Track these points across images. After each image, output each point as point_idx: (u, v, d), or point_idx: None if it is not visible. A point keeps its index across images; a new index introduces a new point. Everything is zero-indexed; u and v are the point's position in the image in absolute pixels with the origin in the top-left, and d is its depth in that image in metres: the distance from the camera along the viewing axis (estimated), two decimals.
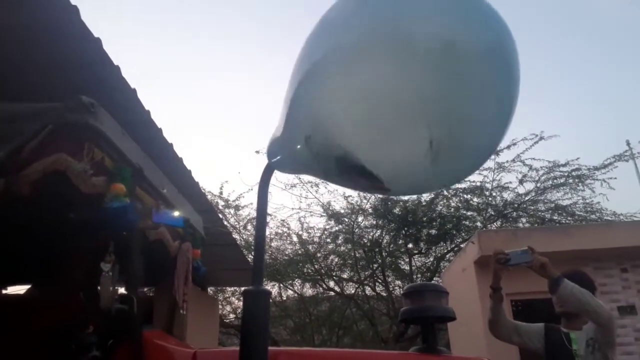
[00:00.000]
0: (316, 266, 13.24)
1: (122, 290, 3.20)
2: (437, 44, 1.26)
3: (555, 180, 10.92)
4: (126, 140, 2.95)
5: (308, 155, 1.57)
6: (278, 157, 1.81)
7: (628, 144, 10.75)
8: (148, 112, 3.60)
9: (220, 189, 12.48)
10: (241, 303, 7.78)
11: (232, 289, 13.73)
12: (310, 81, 1.48)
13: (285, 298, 15.56)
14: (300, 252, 13.13)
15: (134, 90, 3.37)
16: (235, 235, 12.42)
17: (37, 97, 2.89)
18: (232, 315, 14.96)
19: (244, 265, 7.16)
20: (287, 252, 13.42)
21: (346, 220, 12.66)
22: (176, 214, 2.93)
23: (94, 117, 2.46)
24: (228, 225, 12.40)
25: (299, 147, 1.57)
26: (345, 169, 1.48)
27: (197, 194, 4.82)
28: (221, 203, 12.46)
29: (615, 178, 10.30)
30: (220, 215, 12.20)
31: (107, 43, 3.02)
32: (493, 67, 1.34)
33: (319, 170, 1.68)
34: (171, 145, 4.01)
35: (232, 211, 12.63)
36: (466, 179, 10.65)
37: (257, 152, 13.79)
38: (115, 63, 3.16)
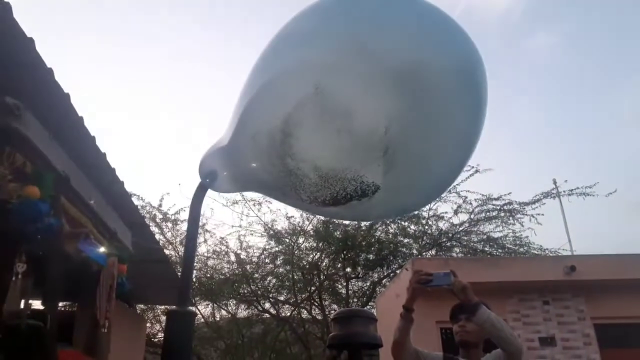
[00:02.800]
0: (253, 287, 13.03)
1: (38, 304, 3.00)
2: (402, 65, 1.28)
3: (488, 213, 11.38)
4: (54, 146, 2.81)
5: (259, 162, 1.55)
6: (214, 173, 1.77)
7: (554, 182, 11.40)
8: (81, 119, 3.44)
9: (160, 201, 12.11)
10: None
11: (163, 307, 13.23)
12: (267, 93, 1.47)
13: (218, 318, 15.17)
14: (237, 271, 12.89)
15: (67, 95, 3.22)
16: (170, 251, 12.04)
17: None
18: (160, 334, 14.38)
19: (175, 283, 6.92)
20: (223, 271, 13.14)
21: (287, 240, 12.60)
22: (102, 250, 2.81)
23: (18, 120, 2.34)
24: (163, 240, 12.01)
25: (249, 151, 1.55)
26: (296, 185, 1.48)
27: (129, 206, 4.63)
28: (159, 216, 12.08)
29: (543, 214, 10.88)
30: (156, 229, 11.84)
31: (44, 42, 2.88)
32: (459, 95, 1.35)
33: (264, 181, 1.65)
34: (104, 154, 3.85)
35: (169, 225, 12.26)
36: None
37: (179, 184, 13.49)
38: (49, 65, 3.01)
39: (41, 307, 2.77)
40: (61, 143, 3.15)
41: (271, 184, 1.64)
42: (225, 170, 1.73)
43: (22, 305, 2.46)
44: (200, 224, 12.09)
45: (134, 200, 11.38)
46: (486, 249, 11.68)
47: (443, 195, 9.62)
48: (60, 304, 4.40)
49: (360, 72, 1.30)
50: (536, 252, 11.26)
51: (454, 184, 11.14)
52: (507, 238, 11.55)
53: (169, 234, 12.24)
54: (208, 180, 1.76)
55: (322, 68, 1.35)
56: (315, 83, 1.33)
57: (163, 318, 14.07)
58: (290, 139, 1.42)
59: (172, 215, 12.13)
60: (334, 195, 1.48)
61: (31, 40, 2.85)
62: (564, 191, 11.16)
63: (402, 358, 2.99)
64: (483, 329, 2.77)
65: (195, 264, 12.09)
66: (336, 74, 1.33)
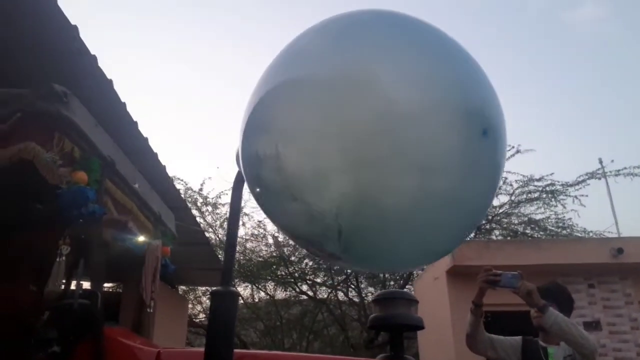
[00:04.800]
0: (290, 269, 13.19)
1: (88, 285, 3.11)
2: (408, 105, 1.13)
3: (529, 195, 11.09)
4: (99, 132, 2.88)
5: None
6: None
7: (600, 162, 10.98)
8: (124, 105, 3.53)
9: (201, 185, 12.36)
10: None
11: (203, 288, 13.56)
12: (263, 107, 1.42)
13: (257, 300, 15.46)
14: (275, 254, 13.05)
15: (110, 82, 3.31)
16: (211, 234, 12.29)
17: (9, 84, 2.81)
18: (202, 315, 14.79)
19: (215, 265, 7.08)
20: (261, 254, 13.33)
21: None
22: (140, 239, 2.87)
23: (66, 106, 2.40)
24: (204, 223, 12.27)
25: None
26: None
27: (171, 190, 4.74)
28: (200, 200, 12.33)
29: (587, 195, 10.53)
30: (197, 213, 12.11)
31: (86, 29, 2.96)
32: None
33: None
34: (146, 139, 3.94)
35: (209, 209, 12.49)
36: None
37: (217, 168, 13.84)
38: (93, 52, 3.09)
39: (91, 288, 2.86)
40: (105, 128, 3.23)
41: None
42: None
43: (73, 286, 2.55)
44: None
45: (176, 184, 11.71)
46: (527, 231, 11.41)
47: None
48: (108, 285, 4.56)
49: (313, 145, 1.20)
50: (579, 235, 10.94)
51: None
52: (549, 220, 11.26)
53: (209, 218, 12.48)
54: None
55: (284, 127, 1.26)
56: (275, 144, 1.26)
57: (204, 299, 14.46)
58: (260, 195, 1.41)
59: (212, 199, 12.36)
60: (310, 252, 1.46)
61: (75, 28, 2.92)
62: (610, 171, 10.75)
63: (476, 348, 3.04)
64: (550, 332, 2.73)
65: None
66: (292, 140, 1.25)
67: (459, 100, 1.17)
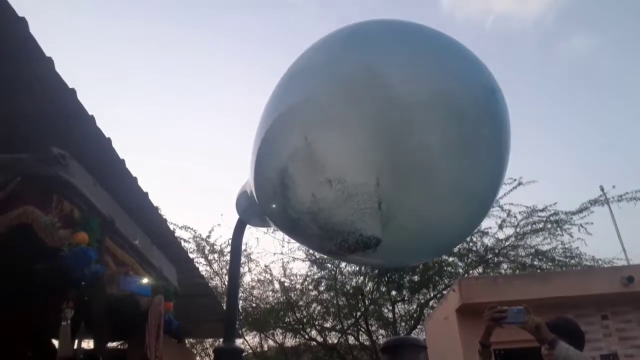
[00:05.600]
0: (298, 315, 12.97)
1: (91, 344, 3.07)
2: (420, 100, 1.22)
3: (534, 225, 11.02)
4: (98, 191, 2.92)
5: (275, 208, 1.56)
6: (248, 210, 1.80)
7: (602, 189, 10.97)
8: (122, 161, 3.57)
9: (209, 232, 12.35)
10: None
11: (212, 339, 13.31)
12: (265, 145, 1.47)
13: (266, 349, 15.12)
14: (282, 299, 12.88)
15: (109, 140, 3.36)
16: (217, 282, 12.19)
17: (8, 148, 2.87)
18: None
19: (221, 315, 6.97)
20: (268, 300, 13.16)
21: (329, 266, 12.53)
22: (144, 281, 2.87)
23: (64, 169, 2.44)
24: (210, 271, 12.20)
25: (270, 206, 1.55)
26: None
27: (173, 243, 4.73)
28: (207, 247, 12.29)
29: (592, 223, 10.45)
30: (203, 260, 12.07)
31: (85, 89, 3.03)
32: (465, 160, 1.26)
33: (282, 226, 1.65)
34: (146, 194, 3.96)
35: (216, 256, 12.44)
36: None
37: (222, 215, 13.50)
38: (90, 113, 3.15)
39: (93, 348, 2.82)
40: (105, 186, 3.26)
41: (288, 229, 1.64)
42: (253, 209, 1.75)
43: (75, 347, 2.52)
44: (246, 253, 12.26)
45: (185, 232, 11.73)
46: (535, 262, 11.27)
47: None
48: (112, 344, 4.49)
49: (347, 126, 1.27)
50: (589, 264, 10.79)
51: (498, 197, 10.88)
52: (557, 250, 11.14)
53: (215, 265, 12.41)
54: (244, 216, 1.79)
55: (311, 119, 1.33)
56: (305, 134, 1.32)
57: (211, 351, 14.16)
58: (288, 191, 1.42)
59: (219, 246, 12.32)
60: (338, 246, 1.44)
61: (73, 91, 3.00)
62: (613, 197, 10.71)
63: None
64: None
65: (240, 294, 12.23)
66: (323, 127, 1.31)
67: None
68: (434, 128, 1.22)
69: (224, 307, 7.47)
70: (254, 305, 12.96)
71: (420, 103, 1.21)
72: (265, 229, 12.02)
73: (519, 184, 10.64)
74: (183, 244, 11.63)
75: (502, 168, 1.39)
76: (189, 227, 11.88)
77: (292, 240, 12.16)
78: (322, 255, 12.36)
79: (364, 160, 1.25)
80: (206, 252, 12.21)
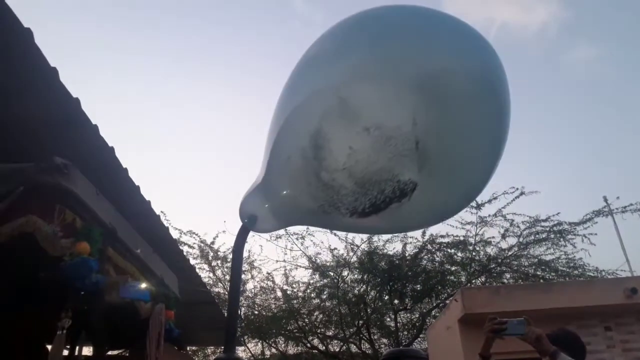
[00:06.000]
0: (300, 323, 12.94)
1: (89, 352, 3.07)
2: (430, 72, 1.32)
3: (537, 235, 10.97)
4: (100, 200, 2.93)
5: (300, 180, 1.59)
6: (255, 214, 1.79)
7: (605, 200, 10.93)
8: (125, 170, 3.59)
9: (214, 238, 12.30)
10: None
11: (213, 347, 13.29)
12: (293, 116, 1.53)
13: (268, 356, 15.07)
14: (284, 307, 12.86)
15: (112, 149, 3.38)
16: (220, 289, 12.18)
17: (12, 157, 2.89)
18: None
19: (223, 324, 6.92)
20: (270, 308, 13.13)
21: (331, 274, 12.51)
22: (143, 286, 2.88)
23: (66, 178, 2.46)
24: (213, 277, 12.20)
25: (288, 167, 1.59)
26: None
27: (175, 251, 4.75)
28: (211, 254, 12.27)
29: (596, 234, 10.41)
30: (207, 266, 12.07)
31: (90, 96, 3.05)
32: (485, 99, 1.38)
33: (303, 206, 1.66)
34: (149, 202, 3.99)
35: (219, 262, 12.41)
36: (451, 225, 10.69)
37: (225, 222, 13.39)
38: (94, 122, 3.18)
39: (92, 356, 2.83)
40: (107, 195, 3.28)
41: (311, 206, 1.65)
42: (264, 206, 1.76)
43: (76, 353, 2.53)
44: (249, 260, 12.23)
45: (189, 237, 11.74)
46: (538, 273, 11.22)
47: (478, 198, 9.37)
48: (114, 352, 4.50)
49: (381, 77, 1.35)
50: (592, 274, 10.74)
51: (500, 206, 10.86)
52: (560, 260, 11.09)
53: (219, 272, 12.40)
54: (247, 221, 1.79)
55: (344, 79, 1.40)
56: (337, 94, 1.38)
57: (212, 358, 14.12)
58: (322, 152, 1.45)
59: (223, 252, 12.29)
60: (372, 202, 1.48)
61: (77, 101, 3.03)
62: (617, 208, 10.67)
63: None
64: None
65: (242, 302, 12.20)
66: (357, 82, 1.38)
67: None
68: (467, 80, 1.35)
69: (225, 315, 7.46)
70: (256, 312, 12.93)
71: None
72: (268, 236, 12.03)
73: (522, 193, 10.63)
74: (187, 249, 11.67)
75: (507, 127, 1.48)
76: (194, 233, 11.88)
77: (294, 248, 12.18)
78: (325, 261, 12.36)
79: (401, 103, 1.33)
80: (210, 258, 12.19)
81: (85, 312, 2.27)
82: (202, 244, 12.06)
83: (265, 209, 1.77)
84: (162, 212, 11.20)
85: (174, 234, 11.31)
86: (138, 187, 3.82)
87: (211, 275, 12.31)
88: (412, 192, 1.43)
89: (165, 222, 11.02)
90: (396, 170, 1.40)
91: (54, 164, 2.35)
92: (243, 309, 12.72)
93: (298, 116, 1.53)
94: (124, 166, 3.60)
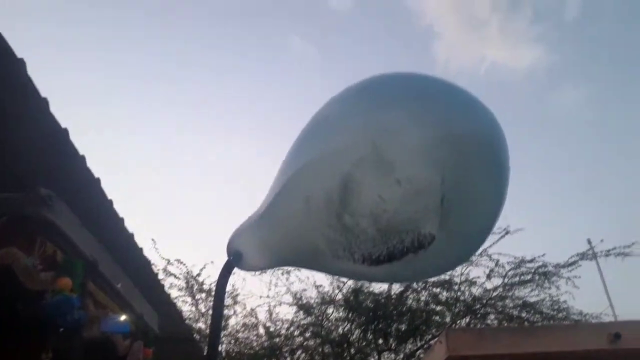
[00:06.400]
0: None
1: None
2: (436, 136, 1.42)
3: (522, 277, 10.97)
4: (83, 232, 2.90)
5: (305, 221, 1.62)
6: (242, 251, 1.78)
7: (589, 242, 11.02)
8: (110, 202, 3.56)
9: (201, 270, 12.06)
10: None
11: None
12: (322, 157, 1.58)
13: None
14: (266, 344, 12.59)
15: (98, 180, 3.36)
16: (202, 324, 11.93)
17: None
18: None
19: None
20: (252, 345, 12.85)
21: (315, 311, 12.33)
22: (122, 319, 2.82)
23: (50, 209, 2.44)
24: (196, 312, 11.94)
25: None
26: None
27: (156, 286, 4.66)
28: (196, 286, 12.04)
29: (580, 277, 10.44)
30: (190, 299, 11.83)
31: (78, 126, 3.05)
32: (494, 161, 1.49)
33: (311, 247, 1.67)
34: (132, 235, 3.94)
35: (203, 296, 12.17)
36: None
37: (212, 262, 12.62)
38: (81, 153, 3.17)
39: None
40: (90, 227, 3.24)
41: (320, 248, 1.66)
42: (258, 243, 1.75)
43: None
44: (233, 294, 11.98)
45: (175, 267, 11.53)
46: (523, 314, 11.18)
47: (477, 252, 9.50)
48: None
49: (418, 133, 1.45)
50: (576, 318, 10.72)
51: (486, 246, 10.87)
52: (544, 303, 11.07)
53: (202, 306, 12.15)
54: (234, 258, 1.77)
55: (384, 128, 1.49)
56: (372, 141, 1.46)
57: None
58: (350, 197, 1.49)
59: (208, 285, 12.06)
60: (390, 250, 1.54)
61: (65, 131, 3.03)
62: (601, 252, 10.76)
63: None
64: None
65: (223, 337, 11.93)
66: (395, 135, 1.47)
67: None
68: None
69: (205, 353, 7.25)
70: (236, 350, 12.64)
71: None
72: (254, 272, 11.87)
73: (507, 232, 10.67)
74: (173, 280, 11.46)
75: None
76: (181, 262, 11.68)
77: (279, 283, 12.02)
78: (310, 298, 12.17)
79: (433, 161, 1.43)
80: (194, 290, 11.97)
81: (65, 350, 2.21)
82: (188, 275, 11.86)
83: (258, 247, 1.76)
84: (152, 239, 11.04)
85: (161, 264, 11.20)
86: (122, 219, 3.78)
87: (194, 309, 12.08)
88: (429, 245, 1.50)
89: (154, 251, 10.87)
90: (420, 223, 1.48)
91: (38, 194, 2.33)
92: (224, 345, 12.44)
93: (328, 158, 1.59)
94: (109, 198, 3.58)
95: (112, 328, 2.93)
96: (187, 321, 9.20)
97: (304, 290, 12.37)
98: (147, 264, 4.45)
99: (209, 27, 22.91)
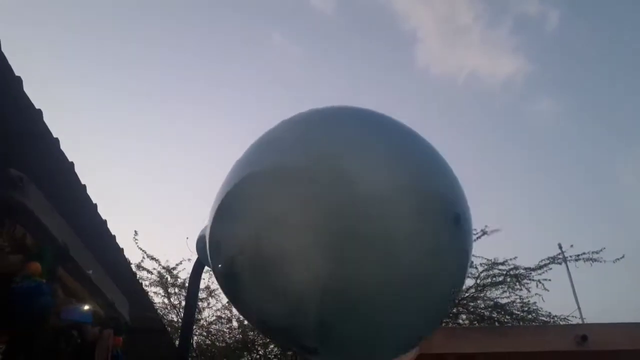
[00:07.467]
0: (254, 354, 12.61)
1: None
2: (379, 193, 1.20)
3: (494, 278, 11.15)
4: (54, 217, 2.82)
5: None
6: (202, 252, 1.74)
7: (560, 247, 11.25)
8: (84, 187, 3.48)
9: (177, 265, 11.92)
10: None
11: None
12: (239, 194, 1.43)
13: None
14: (238, 337, 12.51)
15: (72, 164, 3.28)
16: (174, 316, 11.81)
17: None
18: None
19: (173, 352, 6.69)
20: (225, 338, 12.76)
21: None
22: (86, 308, 2.76)
23: (20, 192, 2.36)
24: (168, 304, 11.80)
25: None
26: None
27: (128, 274, 4.58)
28: (170, 280, 11.90)
29: (550, 280, 10.65)
30: (162, 291, 11.69)
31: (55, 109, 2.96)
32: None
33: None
34: (105, 222, 3.85)
35: (177, 289, 12.03)
36: None
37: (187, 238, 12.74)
38: (55, 135, 3.08)
39: None
40: (62, 211, 3.16)
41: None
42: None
43: None
44: (209, 290, 11.86)
45: (151, 262, 11.40)
46: (494, 315, 11.35)
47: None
48: None
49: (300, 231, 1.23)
50: (545, 319, 10.94)
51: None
52: (515, 304, 11.26)
53: (173, 298, 12.02)
54: (202, 256, 1.74)
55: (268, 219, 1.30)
56: (257, 231, 1.29)
57: None
58: (235, 281, 1.39)
59: (182, 279, 11.93)
60: (284, 346, 1.44)
61: (39, 112, 2.94)
62: (570, 256, 10.99)
63: None
64: None
65: (195, 330, 11.81)
66: (278, 228, 1.27)
67: (425, 187, 1.25)
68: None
69: (176, 344, 7.20)
70: (208, 342, 12.54)
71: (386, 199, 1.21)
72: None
73: (484, 233, 10.80)
74: (146, 274, 11.32)
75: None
76: (154, 259, 11.58)
77: None
78: None
79: (313, 274, 1.21)
80: (168, 284, 11.83)
81: (28, 337, 2.14)
82: (162, 270, 11.74)
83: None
84: (135, 231, 10.99)
85: (138, 256, 11.05)
86: (95, 205, 3.70)
87: (166, 301, 11.94)
88: (315, 354, 1.38)
89: (133, 242, 10.74)
90: (299, 338, 1.37)
91: (9, 176, 2.25)
92: (196, 337, 12.33)
93: (218, 230, 1.47)
94: (83, 183, 3.49)
95: (73, 317, 2.86)
96: (158, 312, 9.09)
97: None
98: (119, 251, 4.36)
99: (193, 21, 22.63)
